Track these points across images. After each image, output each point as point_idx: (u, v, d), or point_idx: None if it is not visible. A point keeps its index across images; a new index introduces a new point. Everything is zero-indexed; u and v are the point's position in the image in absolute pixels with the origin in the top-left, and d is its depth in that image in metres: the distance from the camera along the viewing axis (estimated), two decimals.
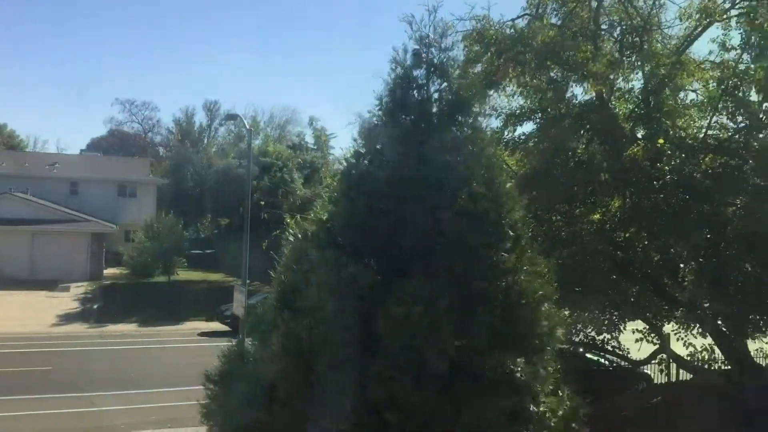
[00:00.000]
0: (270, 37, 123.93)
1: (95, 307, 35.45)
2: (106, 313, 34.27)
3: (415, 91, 7.28)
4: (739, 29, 13.94)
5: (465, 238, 6.50)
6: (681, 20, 15.34)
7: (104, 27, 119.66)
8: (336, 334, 6.23)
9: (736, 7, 13.97)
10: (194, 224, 50.74)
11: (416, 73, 7.32)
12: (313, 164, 44.79)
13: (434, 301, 6.20)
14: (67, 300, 36.40)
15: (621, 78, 15.29)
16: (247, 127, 28.85)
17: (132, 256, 41.09)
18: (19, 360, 24.43)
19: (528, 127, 16.38)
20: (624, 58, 15.31)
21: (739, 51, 14.10)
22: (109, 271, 42.99)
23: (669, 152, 13.97)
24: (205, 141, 77.28)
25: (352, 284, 6.32)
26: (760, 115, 13.71)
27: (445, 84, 7.35)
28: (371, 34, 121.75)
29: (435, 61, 7.28)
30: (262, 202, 37.28)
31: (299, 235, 7.76)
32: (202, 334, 31.28)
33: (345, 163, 7.79)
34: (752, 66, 13.75)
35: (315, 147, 57.30)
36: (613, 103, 15.45)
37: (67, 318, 33.16)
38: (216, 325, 31.88)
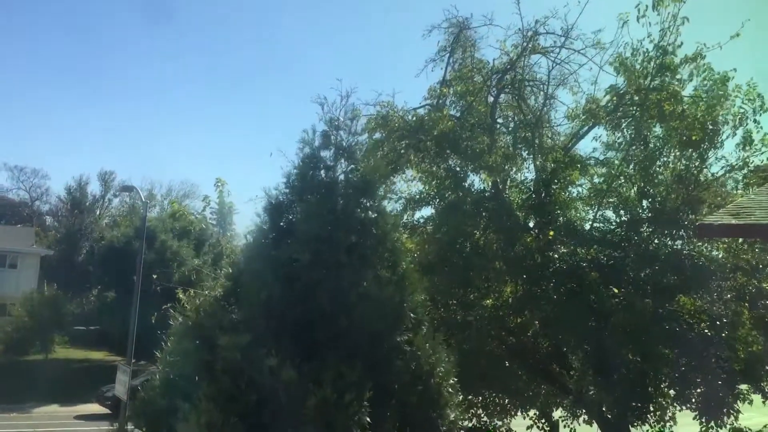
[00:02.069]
0: (173, 109, 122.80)
1: None
2: None
3: (322, 172, 7.41)
4: (624, 130, 15.17)
5: (370, 322, 6.53)
6: (569, 120, 16.51)
7: None
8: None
9: (620, 110, 15.15)
10: (80, 298, 48.03)
11: (324, 154, 7.48)
12: (202, 235, 43.81)
13: (361, 386, 6.14)
14: None
15: (515, 169, 16.13)
16: (143, 199, 28.10)
17: (6, 332, 38.24)
18: None
19: (426, 211, 16.87)
20: (517, 151, 16.19)
21: (623, 150, 15.25)
22: None
23: (559, 242, 14.66)
24: (98, 212, 74.33)
25: (272, 376, 6.17)
26: (638, 210, 14.75)
27: (351, 166, 7.52)
28: (275, 110, 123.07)
29: (344, 143, 7.47)
30: (155, 276, 35.95)
31: (190, 313, 7.46)
32: (79, 416, 29.21)
33: (247, 239, 7.71)
34: (632, 165, 14.88)
35: (217, 217, 56.16)
36: (507, 192, 16.19)
37: None
38: (95, 408, 29.87)
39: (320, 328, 6.63)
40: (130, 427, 7.54)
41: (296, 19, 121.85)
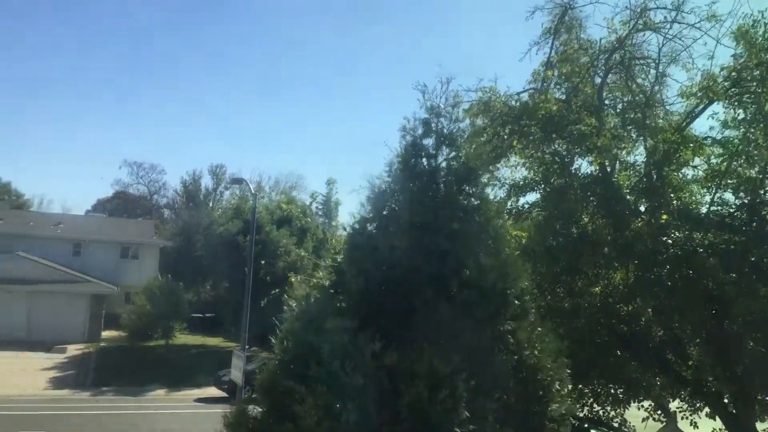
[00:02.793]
0: (279, 102, 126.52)
1: (91, 370, 34.95)
2: (102, 376, 33.77)
3: (424, 160, 7.38)
4: (744, 107, 14.24)
5: (471, 311, 6.47)
6: (682, 98, 15.67)
7: (116, 89, 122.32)
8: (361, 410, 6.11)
9: (739, 86, 14.25)
10: (195, 287, 50.47)
11: (426, 142, 7.44)
12: (305, 225, 44.86)
13: (454, 380, 6.12)
14: (63, 362, 35.92)
15: (624, 152, 15.51)
16: (252, 191, 29.09)
17: (131, 319, 40.74)
18: (12, 423, 23.95)
19: (531, 197, 16.55)
20: (626, 133, 15.56)
21: (743, 129, 14.34)
22: (107, 333, 42.58)
23: (672, 227, 14.02)
24: (211, 204, 77.74)
25: (375, 360, 6.25)
26: (760, 191, 13.84)
27: (453, 153, 7.46)
28: (378, 102, 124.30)
29: (445, 131, 7.41)
30: (263, 261, 37.20)
31: (302, 302, 7.68)
32: (199, 399, 30.74)
33: (350, 229, 7.80)
34: (757, 143, 13.96)
35: (323, 211, 57.52)
36: (616, 176, 15.62)
37: (62, 380, 32.65)
38: (213, 391, 31.36)
39: (420, 316, 6.63)
40: (249, 408, 7.82)
41: (398, 8, 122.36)
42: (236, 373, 22.90)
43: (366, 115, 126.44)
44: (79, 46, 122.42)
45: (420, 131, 7.49)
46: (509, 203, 16.33)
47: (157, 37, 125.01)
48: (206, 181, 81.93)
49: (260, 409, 7.47)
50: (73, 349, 38.48)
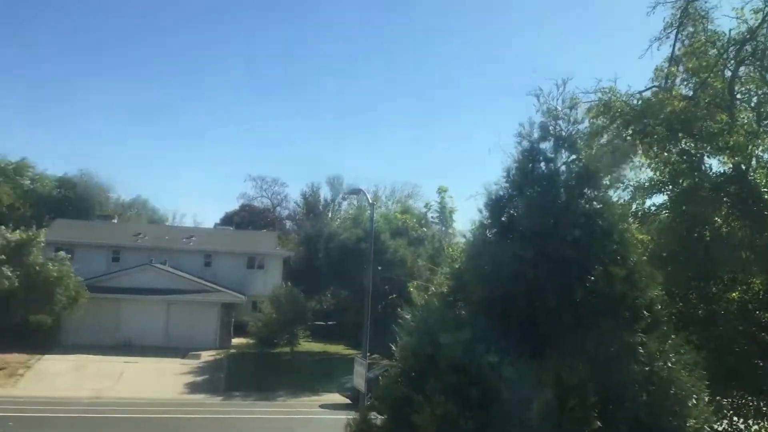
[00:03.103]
0: (394, 111, 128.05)
1: (223, 375, 36.65)
2: (233, 381, 35.34)
3: (542, 164, 7.20)
4: None
5: (598, 321, 6.22)
6: None
7: (239, 111, 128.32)
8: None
9: None
10: (317, 296, 51.86)
11: (543, 145, 7.27)
12: (422, 234, 44.91)
13: (583, 389, 5.93)
14: (197, 368, 37.86)
15: (761, 148, 14.50)
16: (369, 201, 29.56)
17: (258, 326, 42.42)
18: (152, 425, 25.51)
19: (658, 199, 15.78)
20: (763, 128, 14.55)
21: None
22: (236, 340, 44.52)
23: None
24: (330, 214, 79.74)
25: (492, 373, 6.16)
26: None
27: (572, 156, 7.23)
28: (493, 108, 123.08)
29: (563, 133, 7.20)
30: (380, 268, 37.68)
31: (418, 311, 7.67)
32: (323, 405, 31.48)
33: (468, 236, 7.74)
34: None
35: (438, 219, 57.63)
36: (753, 174, 14.62)
37: (197, 386, 34.45)
38: (336, 397, 32.03)
39: (545, 327, 6.45)
40: (371, 415, 7.91)
41: (511, 13, 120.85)
42: (358, 380, 23.28)
43: (481, 121, 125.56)
44: (203, 68, 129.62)
45: (536, 135, 7.32)
46: (634, 206, 15.67)
47: (278, 55, 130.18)
48: (325, 193, 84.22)
49: (382, 417, 7.54)
50: (206, 356, 40.50)
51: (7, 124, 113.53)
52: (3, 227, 41.00)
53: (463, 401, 6.23)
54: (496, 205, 7.27)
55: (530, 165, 7.20)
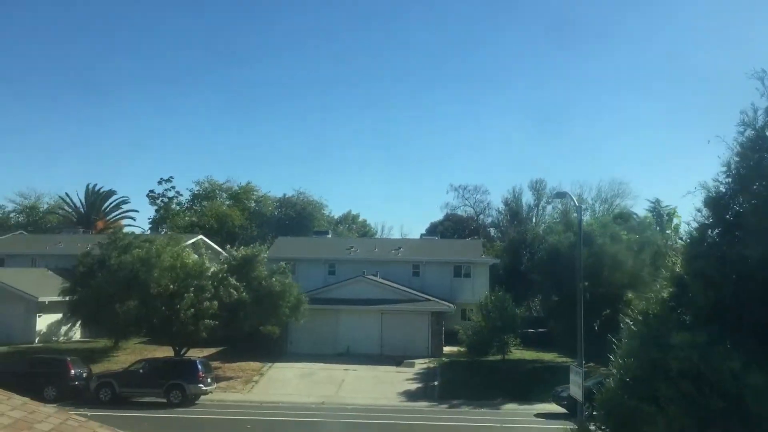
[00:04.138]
0: (598, 108, 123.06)
1: (436, 383, 37.31)
2: (446, 389, 35.84)
3: None
4: None
5: None
6: None
7: (437, 118, 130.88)
8: None
9: None
10: (525, 303, 51.15)
11: None
12: (640, 239, 42.18)
13: None
14: (412, 376, 38.91)
15: None
16: (576, 203, 28.60)
17: (468, 335, 42.68)
18: (371, 430, 26.65)
19: None
20: None
21: None
22: (447, 349, 45.13)
23: None
24: (534, 220, 78.34)
25: (734, 381, 5.67)
26: None
27: None
28: (706, 98, 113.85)
29: None
30: (593, 276, 36.10)
31: (639, 317, 7.29)
32: (539, 414, 30.87)
33: (688, 237, 7.21)
34: None
35: (654, 218, 54.20)
36: None
37: (412, 393, 35.40)
38: (552, 407, 31.24)
39: None
40: (591, 427, 7.66)
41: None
42: (575, 389, 22.57)
43: (694, 111, 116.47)
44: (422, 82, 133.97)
45: (762, 122, 6.63)
46: None
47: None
48: (527, 198, 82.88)
49: (603, 428, 7.24)
50: (419, 364, 41.49)
51: (233, 154, 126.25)
52: (228, 246, 45.47)
53: (702, 412, 5.77)
54: (717, 203, 6.70)
55: (756, 156, 6.54)
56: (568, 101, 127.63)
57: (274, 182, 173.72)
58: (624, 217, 44.89)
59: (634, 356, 6.73)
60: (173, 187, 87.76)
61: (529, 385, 35.02)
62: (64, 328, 47.30)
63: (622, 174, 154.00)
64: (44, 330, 45.82)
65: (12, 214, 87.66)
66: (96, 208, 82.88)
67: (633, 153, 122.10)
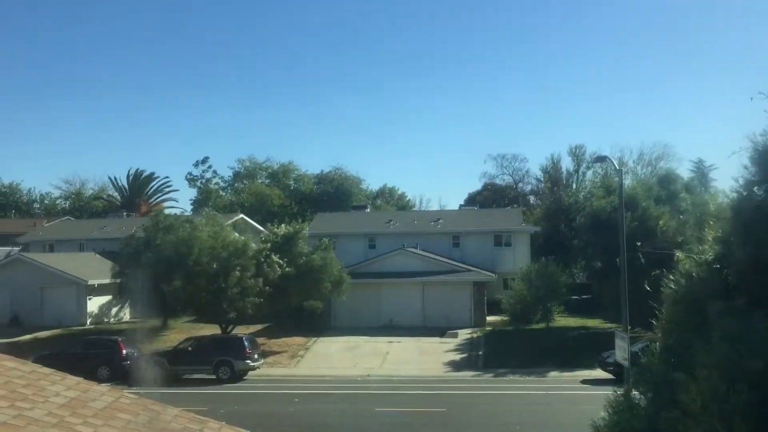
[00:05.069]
0: (627, 71, 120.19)
1: (480, 353, 37.37)
2: (491, 359, 35.88)
3: None
4: None
5: None
6: None
7: (473, 92, 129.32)
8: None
9: None
10: (567, 270, 50.71)
11: None
12: (687, 200, 41.30)
13: None
14: (455, 346, 39.02)
15: None
16: (616, 167, 28.05)
17: (510, 303, 42.56)
18: (417, 400, 26.87)
19: None
20: None
21: None
22: (490, 318, 45.11)
23: None
24: (573, 186, 77.23)
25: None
26: None
27: None
28: (748, 50, 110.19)
29: None
30: (638, 243, 35.49)
31: (682, 280, 7.10)
32: (585, 381, 30.72)
33: (733, 195, 6.97)
34: None
35: (697, 178, 53.00)
36: None
37: (456, 363, 35.54)
38: (598, 373, 31.06)
39: None
40: (635, 393, 7.54)
41: None
42: (621, 354, 22.32)
43: (738, 64, 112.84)
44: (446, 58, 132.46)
45: None
46: None
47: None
48: (566, 164, 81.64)
49: (646, 394, 7.14)
50: (463, 334, 41.56)
51: (274, 131, 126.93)
52: (269, 224, 45.86)
53: (741, 374, 5.63)
54: (764, 158, 6.45)
55: None
56: (607, 65, 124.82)
57: (310, 160, 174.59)
58: (669, 179, 43.84)
59: (676, 322, 6.58)
60: (210, 167, 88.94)
61: (574, 352, 34.84)
62: (114, 310, 48.65)
63: (666, 136, 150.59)
64: (95, 312, 47.19)
65: (59, 201, 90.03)
66: (139, 191, 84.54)
67: (674, 114, 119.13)
